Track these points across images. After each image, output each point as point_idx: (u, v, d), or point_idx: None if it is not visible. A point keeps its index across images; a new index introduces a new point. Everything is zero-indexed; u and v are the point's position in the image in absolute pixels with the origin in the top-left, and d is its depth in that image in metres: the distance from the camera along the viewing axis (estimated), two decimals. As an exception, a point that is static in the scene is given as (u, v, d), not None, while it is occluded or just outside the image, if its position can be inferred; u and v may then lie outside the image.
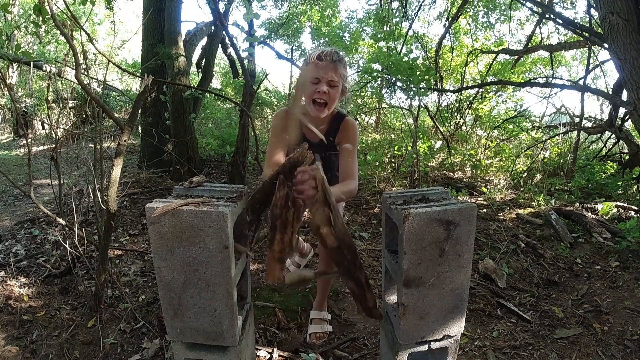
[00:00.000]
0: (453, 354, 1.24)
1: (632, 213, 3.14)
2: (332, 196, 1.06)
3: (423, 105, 4.81)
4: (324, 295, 1.87)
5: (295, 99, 1.56)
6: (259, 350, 1.69)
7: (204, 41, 6.03)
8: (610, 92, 4.19)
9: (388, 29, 6.18)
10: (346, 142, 1.57)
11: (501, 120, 5.68)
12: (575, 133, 4.92)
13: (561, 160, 4.70)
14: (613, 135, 4.89)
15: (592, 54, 5.09)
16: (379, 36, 6.02)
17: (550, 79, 5.54)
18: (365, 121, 7.96)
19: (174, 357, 1.19)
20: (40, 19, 2.03)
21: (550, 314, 2.00)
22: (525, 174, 4.47)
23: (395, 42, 5.96)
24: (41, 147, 6.26)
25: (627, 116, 4.11)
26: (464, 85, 5.90)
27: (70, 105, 6.09)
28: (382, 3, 6.99)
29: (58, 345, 1.70)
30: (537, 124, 6.05)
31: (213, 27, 5.72)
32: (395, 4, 6.84)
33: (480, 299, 2.13)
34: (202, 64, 6.16)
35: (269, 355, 1.67)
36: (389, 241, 1.29)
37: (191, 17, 39.49)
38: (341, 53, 1.50)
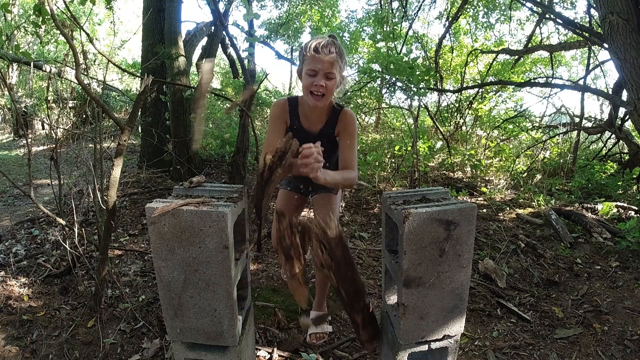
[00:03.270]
0: (453, 354, 1.24)
1: (632, 213, 3.14)
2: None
3: (423, 105, 4.81)
4: (324, 295, 1.88)
5: (200, 94, 1.45)
6: (259, 350, 1.69)
7: (204, 41, 6.02)
8: (610, 92, 4.19)
9: (388, 29, 6.17)
10: (345, 133, 1.58)
11: (501, 120, 5.68)
12: (575, 133, 4.92)
13: (561, 160, 4.69)
14: (613, 135, 4.89)
15: (592, 54, 5.09)
16: (378, 37, 6.01)
17: (550, 79, 5.54)
18: (365, 121, 7.95)
19: (174, 357, 1.19)
20: (40, 19, 2.03)
21: (550, 314, 2.00)
22: (525, 174, 4.47)
23: (395, 42, 5.95)
24: (41, 147, 6.26)
25: (627, 116, 4.11)
26: (464, 85, 5.89)
27: (70, 105, 6.09)
28: (382, 3, 6.99)
29: (58, 345, 1.70)
30: (537, 124, 6.04)
31: (213, 27, 5.72)
32: (395, 4, 6.84)
33: (480, 299, 2.13)
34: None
35: (269, 355, 1.67)
36: (389, 241, 1.29)
37: (191, 17, 39.59)
38: (337, 41, 1.47)
